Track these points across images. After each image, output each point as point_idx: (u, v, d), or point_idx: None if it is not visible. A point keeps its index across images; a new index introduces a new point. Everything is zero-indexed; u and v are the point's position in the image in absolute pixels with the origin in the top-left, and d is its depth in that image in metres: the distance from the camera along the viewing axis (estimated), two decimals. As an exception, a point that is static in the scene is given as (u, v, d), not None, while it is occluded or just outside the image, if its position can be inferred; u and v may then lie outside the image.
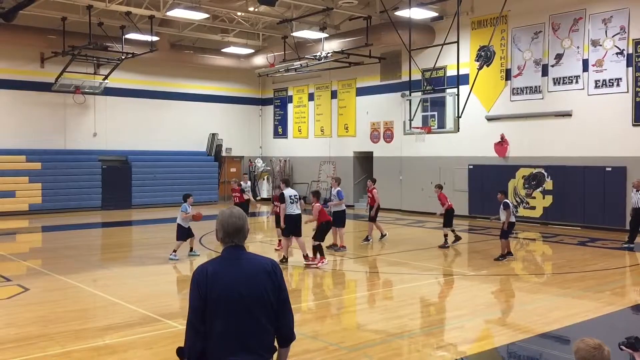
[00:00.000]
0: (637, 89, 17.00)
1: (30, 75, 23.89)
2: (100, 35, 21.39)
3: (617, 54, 17.35)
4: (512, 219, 13.30)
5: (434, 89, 20.41)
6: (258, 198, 29.38)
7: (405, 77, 20.77)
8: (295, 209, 12.55)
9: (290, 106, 29.55)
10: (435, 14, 20.50)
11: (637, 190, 14.48)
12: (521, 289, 10.68)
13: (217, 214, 3.60)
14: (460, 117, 16.58)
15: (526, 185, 19.64)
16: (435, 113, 20.53)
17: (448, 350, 7.19)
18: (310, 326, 8.09)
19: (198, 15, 21.06)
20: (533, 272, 12.18)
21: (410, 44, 17.47)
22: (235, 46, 26.34)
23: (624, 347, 3.68)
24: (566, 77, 18.55)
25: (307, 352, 6.82)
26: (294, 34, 22.57)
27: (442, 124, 19.08)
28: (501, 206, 13.33)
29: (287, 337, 3.53)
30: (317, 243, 12.47)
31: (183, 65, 27.26)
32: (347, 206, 15.74)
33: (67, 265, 12.49)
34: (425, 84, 21.00)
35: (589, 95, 18.01)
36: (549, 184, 19.05)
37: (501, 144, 20.32)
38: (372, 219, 15.66)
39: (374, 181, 16.22)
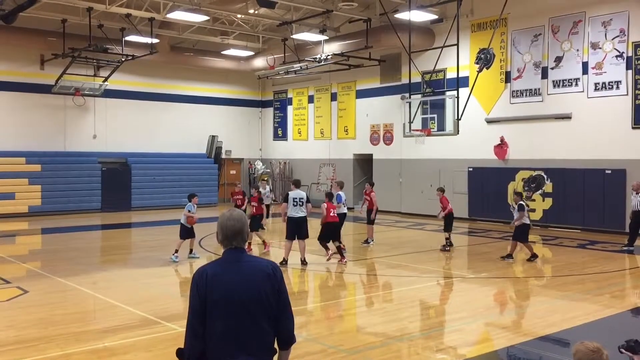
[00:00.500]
0: (637, 91, 17.01)
1: (30, 77, 23.91)
2: (101, 37, 21.43)
3: (616, 56, 17.36)
4: (527, 221, 13.39)
5: (434, 92, 20.41)
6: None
7: (405, 80, 20.79)
8: (298, 212, 12.44)
9: (290, 108, 29.57)
10: (435, 17, 20.52)
11: (637, 193, 14.48)
12: (521, 292, 10.68)
13: (218, 216, 3.60)
14: (460, 119, 16.56)
15: (526, 188, 19.63)
16: (435, 115, 20.49)
17: (448, 353, 7.19)
18: (310, 329, 8.08)
19: (198, 18, 21.07)
20: (533, 274, 12.18)
21: (410, 46, 17.48)
22: (235, 48, 26.36)
23: (623, 350, 3.69)
24: (566, 80, 18.57)
25: (306, 355, 6.81)
26: (294, 36, 22.59)
27: (441, 127, 19.03)
28: (516, 207, 13.49)
29: (288, 340, 3.53)
30: (322, 243, 12.86)
31: (183, 68, 27.28)
32: (347, 209, 15.76)
33: (66, 267, 12.48)
34: (425, 87, 21.01)
35: (588, 97, 18.03)
36: (548, 187, 19.06)
37: (501, 147, 20.33)
38: (372, 222, 15.69)
39: (372, 184, 16.27)
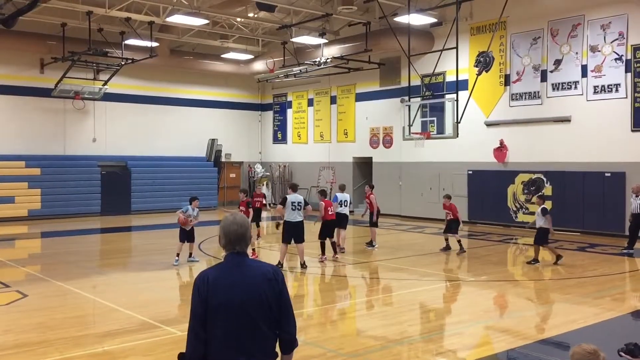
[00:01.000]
0: (636, 94, 17.03)
1: (29, 81, 23.93)
2: (100, 41, 21.45)
3: (615, 59, 17.39)
4: (546, 225, 13.12)
5: (433, 95, 20.44)
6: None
7: (404, 83, 20.79)
8: (297, 216, 12.50)
9: (289, 112, 29.59)
10: (434, 20, 20.55)
11: (637, 196, 14.48)
12: (520, 295, 10.67)
13: (219, 219, 3.61)
14: (460, 122, 16.56)
15: (525, 191, 19.65)
16: (435, 118, 20.51)
17: (447, 357, 7.19)
18: (309, 332, 8.08)
19: (198, 21, 21.11)
20: (532, 278, 12.17)
21: (409, 49, 17.50)
22: (235, 52, 26.39)
23: (623, 354, 3.69)
24: (565, 83, 18.59)
25: (306, 359, 6.81)
26: (294, 39, 22.62)
27: (441, 130, 19.04)
28: (539, 211, 13.24)
29: (290, 344, 3.53)
30: (320, 241, 13.29)
31: (183, 71, 27.30)
32: (349, 212, 15.81)
33: (66, 271, 12.47)
34: (424, 90, 21.03)
35: (587, 100, 18.05)
36: (548, 190, 19.05)
37: (500, 150, 20.33)
38: (374, 225, 15.77)
39: (371, 187, 16.31)
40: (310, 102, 28.31)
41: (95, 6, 19.58)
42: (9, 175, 22.67)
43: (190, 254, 13.44)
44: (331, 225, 13.67)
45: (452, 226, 15.15)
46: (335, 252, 13.74)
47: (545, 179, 19.18)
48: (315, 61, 22.84)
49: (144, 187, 25.78)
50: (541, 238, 13.20)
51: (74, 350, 7.19)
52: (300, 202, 12.56)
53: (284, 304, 3.48)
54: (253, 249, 14.31)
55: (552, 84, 18.90)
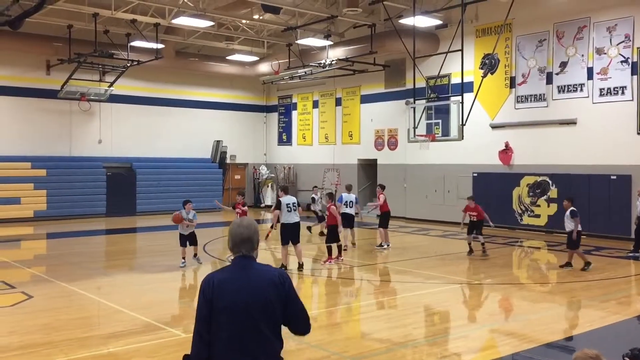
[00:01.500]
0: (642, 97, 16.96)
1: (36, 83, 24.02)
2: (106, 42, 21.53)
3: (621, 62, 17.32)
4: (579, 227, 12.75)
5: (438, 97, 20.37)
6: (262, 205, 29.46)
7: (409, 85, 20.79)
8: (293, 218, 12.61)
9: (294, 113, 29.60)
10: (439, 22, 20.54)
11: (643, 199, 14.41)
12: (526, 298, 10.64)
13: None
14: (465, 124, 16.55)
15: (531, 194, 19.59)
16: (440, 121, 20.48)
17: (452, 360, 7.17)
18: (313, 335, 8.04)
19: (203, 23, 21.15)
20: (538, 281, 12.13)
21: (414, 51, 17.49)
22: (240, 54, 26.43)
23: (628, 359, 3.66)
24: (571, 85, 18.53)
25: (311, 361, 6.80)
26: (299, 41, 22.64)
27: (446, 132, 19.02)
28: (567, 214, 12.79)
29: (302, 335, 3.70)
30: (328, 245, 13.41)
31: (188, 73, 27.36)
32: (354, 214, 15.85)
33: (71, 272, 12.51)
34: (429, 92, 20.98)
35: (593, 103, 17.99)
36: (553, 192, 18.99)
37: (506, 152, 20.29)
38: (382, 225, 15.83)
39: (382, 187, 16.40)
40: (315, 104, 28.32)
41: (101, 8, 19.65)
42: (14, 176, 22.76)
43: (195, 255, 13.46)
44: (336, 229, 13.65)
45: (476, 227, 14.63)
46: (340, 254, 13.76)
47: (550, 182, 19.12)
48: (320, 63, 22.85)
49: (149, 189, 25.84)
50: (574, 242, 12.71)
51: (78, 351, 7.21)
52: (295, 203, 12.75)
53: (293, 307, 3.48)
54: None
55: (558, 87, 18.85)
